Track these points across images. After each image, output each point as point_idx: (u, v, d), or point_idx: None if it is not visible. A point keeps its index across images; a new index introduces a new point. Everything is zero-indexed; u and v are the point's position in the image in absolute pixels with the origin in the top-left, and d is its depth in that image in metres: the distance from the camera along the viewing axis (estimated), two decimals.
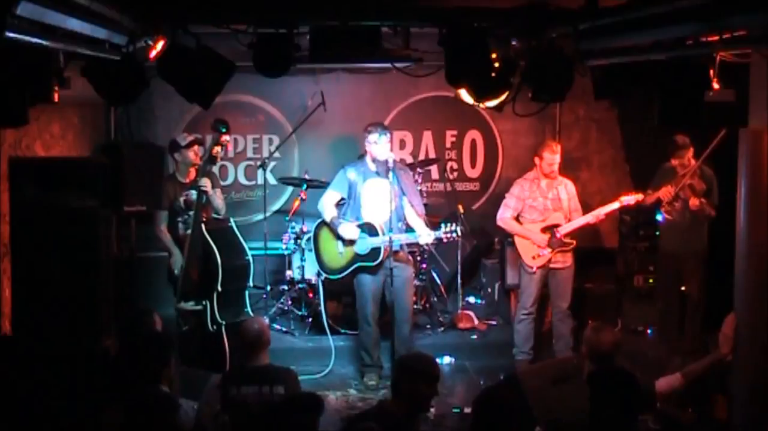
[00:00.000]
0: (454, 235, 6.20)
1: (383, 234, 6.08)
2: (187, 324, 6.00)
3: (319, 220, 6.47)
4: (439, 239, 6.27)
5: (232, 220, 6.22)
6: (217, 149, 6.02)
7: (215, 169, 6.59)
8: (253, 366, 4.38)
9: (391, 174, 6.09)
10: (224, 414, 4.15)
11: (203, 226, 5.90)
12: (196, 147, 6.38)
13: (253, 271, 6.13)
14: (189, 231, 6.01)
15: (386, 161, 6.12)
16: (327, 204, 6.36)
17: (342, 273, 6.36)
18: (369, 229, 6.18)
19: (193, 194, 6.09)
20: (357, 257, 6.24)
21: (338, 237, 6.32)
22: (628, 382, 3.53)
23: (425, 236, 6.17)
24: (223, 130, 6.00)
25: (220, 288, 5.81)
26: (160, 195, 6.61)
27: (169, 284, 6.35)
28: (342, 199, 6.40)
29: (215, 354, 5.76)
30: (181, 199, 6.29)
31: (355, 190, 6.28)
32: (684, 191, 6.54)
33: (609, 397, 3.47)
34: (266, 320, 5.03)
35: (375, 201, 6.18)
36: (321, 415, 3.73)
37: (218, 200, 6.28)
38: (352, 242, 6.26)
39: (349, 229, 6.23)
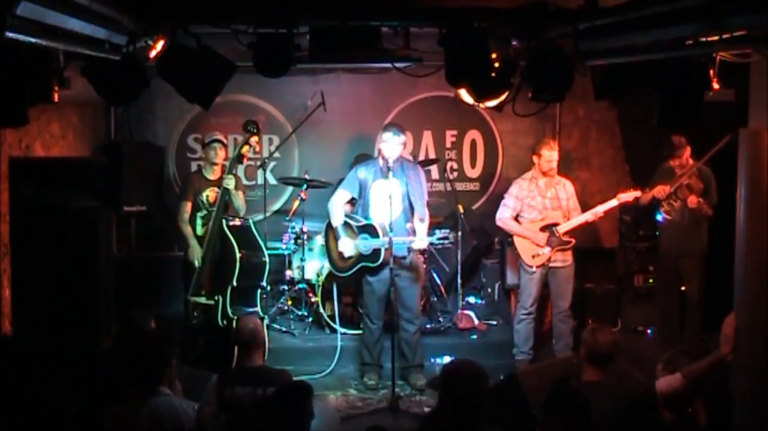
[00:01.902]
0: (446, 242, 6.22)
1: (383, 236, 6.08)
2: (197, 318, 6.02)
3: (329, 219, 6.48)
4: (433, 245, 6.30)
5: (250, 220, 6.25)
6: (246, 148, 6.10)
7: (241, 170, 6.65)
8: (248, 366, 4.38)
9: (391, 174, 6.09)
10: (223, 414, 4.15)
11: (224, 222, 5.94)
12: (217, 147, 6.39)
13: (268, 271, 6.17)
14: (210, 224, 6.06)
15: (394, 161, 6.15)
16: (336, 205, 6.37)
17: (348, 272, 6.37)
18: (370, 230, 6.19)
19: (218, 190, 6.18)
20: (361, 257, 6.26)
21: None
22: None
23: (419, 241, 6.19)
24: (254, 130, 6.08)
25: (235, 283, 5.85)
26: (161, 194, 6.63)
27: (182, 278, 6.35)
28: (353, 198, 6.40)
29: (222, 349, 5.77)
30: (205, 194, 6.31)
31: (366, 189, 6.30)
32: (681, 190, 6.54)
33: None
34: (265, 321, 5.11)
35: (382, 201, 6.18)
36: (311, 396, 3.72)
37: (239, 200, 6.34)
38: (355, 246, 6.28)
39: (347, 245, 6.27)
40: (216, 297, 5.91)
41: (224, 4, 4.90)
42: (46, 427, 3.58)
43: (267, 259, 6.13)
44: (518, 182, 6.63)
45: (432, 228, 6.54)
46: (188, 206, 6.35)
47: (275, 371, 4.47)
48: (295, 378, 6.23)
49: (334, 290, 6.95)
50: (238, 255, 5.85)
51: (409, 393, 6.27)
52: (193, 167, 7.55)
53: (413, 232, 6.28)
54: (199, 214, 6.35)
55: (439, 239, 6.18)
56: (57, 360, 4.18)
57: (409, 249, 6.26)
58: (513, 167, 8.07)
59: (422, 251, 6.64)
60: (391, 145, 6.14)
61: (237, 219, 6.18)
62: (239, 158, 6.17)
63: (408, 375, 6.39)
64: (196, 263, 6.12)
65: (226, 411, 4.16)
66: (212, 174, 6.40)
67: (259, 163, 7.67)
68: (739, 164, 4.78)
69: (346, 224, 6.31)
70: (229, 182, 6.10)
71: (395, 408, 5.81)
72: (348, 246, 6.26)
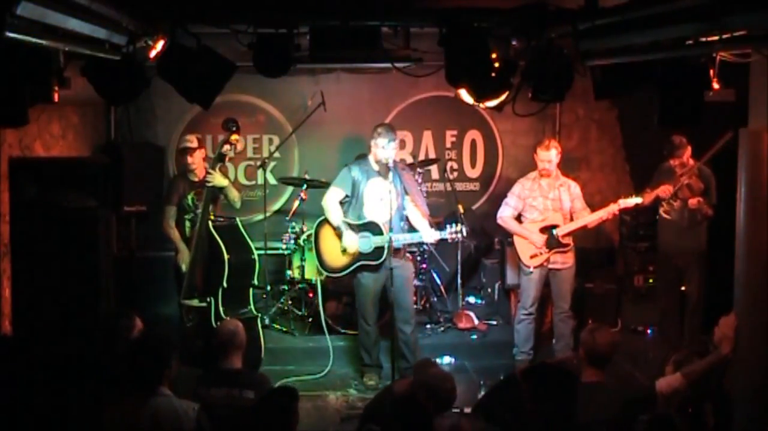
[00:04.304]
0: (459, 236, 6.22)
1: (387, 233, 6.07)
2: (192, 321, 6.02)
3: (321, 218, 6.45)
4: (443, 240, 6.29)
5: (237, 219, 6.25)
6: (227, 147, 6.10)
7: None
8: (225, 368, 4.38)
9: (390, 175, 6.09)
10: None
11: (210, 223, 5.93)
12: (187, 153, 6.45)
13: (258, 269, 6.15)
14: (196, 227, 6.06)
15: (386, 162, 6.13)
16: (331, 203, 6.34)
17: (344, 272, 6.33)
18: (372, 228, 6.18)
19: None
20: (360, 256, 6.24)
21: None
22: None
23: (429, 235, 6.18)
24: (234, 128, 6.07)
25: (225, 284, 5.84)
26: (162, 194, 6.64)
27: (174, 281, 6.38)
28: (346, 196, 6.40)
29: None
30: (190, 196, 6.34)
31: (358, 189, 6.29)
32: (682, 190, 6.54)
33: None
34: (259, 320, 5.14)
35: (377, 201, 6.19)
36: (297, 400, 3.74)
37: (233, 192, 6.37)
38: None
39: (351, 240, 6.22)
40: (208, 299, 5.91)
41: (224, 4, 4.90)
42: (47, 427, 3.59)
43: (256, 257, 6.12)
44: (521, 182, 6.63)
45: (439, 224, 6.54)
46: (173, 210, 6.41)
47: (253, 374, 4.50)
48: (294, 379, 6.29)
49: (318, 291, 6.93)
50: (226, 256, 5.84)
51: None
52: None
53: (409, 230, 6.29)
54: (186, 217, 6.39)
55: (451, 233, 6.17)
56: (57, 360, 4.18)
57: (402, 245, 6.26)
58: (513, 167, 8.08)
59: (413, 251, 6.63)
60: (389, 150, 6.13)
61: (223, 219, 6.17)
62: (221, 158, 6.17)
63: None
64: (184, 268, 6.14)
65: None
66: (196, 177, 6.43)
67: (259, 163, 7.66)
68: (739, 164, 4.78)
69: (345, 223, 6.30)
70: (212, 178, 6.10)
71: None
72: (352, 242, 6.22)
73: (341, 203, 6.40)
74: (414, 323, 6.45)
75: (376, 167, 6.26)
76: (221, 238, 5.89)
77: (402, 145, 8.13)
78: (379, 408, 4.18)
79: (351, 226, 6.27)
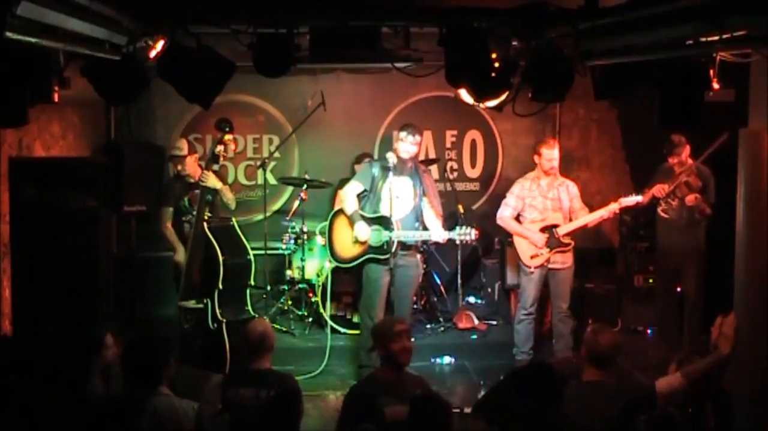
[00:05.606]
0: (468, 238, 6.22)
1: (398, 229, 6.09)
2: (189, 322, 6.01)
3: (337, 208, 6.48)
4: (452, 240, 6.30)
5: (233, 219, 6.24)
6: (221, 147, 6.08)
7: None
8: (254, 369, 4.38)
9: (406, 174, 6.17)
10: (225, 413, 4.15)
11: (205, 224, 5.92)
12: (177, 161, 6.47)
13: (254, 270, 6.15)
14: (192, 228, 6.06)
15: (407, 161, 6.18)
16: (349, 195, 6.38)
17: (353, 263, 6.34)
18: (384, 222, 6.20)
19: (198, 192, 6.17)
20: (369, 249, 6.25)
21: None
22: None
23: (438, 234, 6.20)
24: (227, 129, 6.05)
25: (221, 286, 5.82)
26: (161, 194, 6.64)
27: (173, 282, 6.38)
28: (364, 191, 6.41)
29: (216, 352, 5.77)
30: (186, 198, 6.34)
31: (377, 185, 6.32)
32: (680, 188, 6.53)
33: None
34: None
35: (393, 198, 6.19)
36: (298, 400, 3.76)
37: (227, 195, 6.37)
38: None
39: (363, 230, 6.23)
40: (205, 300, 5.90)
41: (224, 4, 4.90)
42: (46, 427, 3.59)
43: (252, 258, 6.10)
44: (520, 182, 6.63)
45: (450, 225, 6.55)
46: (170, 212, 6.43)
47: (282, 375, 4.47)
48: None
49: (321, 291, 6.94)
50: (221, 258, 5.83)
51: None
52: None
53: (422, 229, 6.32)
54: (184, 218, 6.40)
55: (460, 234, 6.18)
56: (57, 360, 4.17)
57: (416, 242, 6.29)
58: (513, 167, 8.08)
59: (421, 251, 6.65)
60: (407, 144, 6.18)
61: (219, 220, 6.16)
62: (215, 158, 6.14)
63: None
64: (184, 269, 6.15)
65: (227, 411, 4.16)
66: (191, 179, 6.45)
67: (259, 163, 7.66)
68: (738, 164, 4.79)
69: (359, 213, 6.33)
70: (206, 179, 6.10)
71: None
72: (364, 231, 6.22)
73: (360, 197, 6.43)
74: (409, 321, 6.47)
75: (397, 166, 6.26)
76: (216, 239, 5.87)
77: None
78: (365, 399, 4.20)
79: (364, 218, 6.30)
